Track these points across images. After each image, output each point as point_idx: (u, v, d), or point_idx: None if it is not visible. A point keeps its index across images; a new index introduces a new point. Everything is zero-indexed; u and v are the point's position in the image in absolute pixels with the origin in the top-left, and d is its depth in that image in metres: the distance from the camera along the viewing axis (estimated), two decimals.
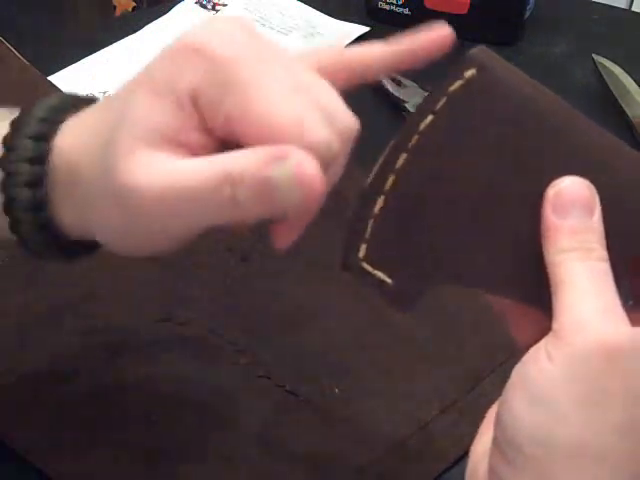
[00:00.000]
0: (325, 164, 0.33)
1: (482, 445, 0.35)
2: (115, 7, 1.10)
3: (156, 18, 0.84)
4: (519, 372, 0.33)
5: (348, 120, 0.36)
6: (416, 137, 0.35)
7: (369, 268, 0.35)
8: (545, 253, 0.34)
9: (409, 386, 0.51)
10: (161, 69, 0.34)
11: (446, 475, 0.47)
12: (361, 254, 0.35)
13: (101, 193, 0.35)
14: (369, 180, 0.35)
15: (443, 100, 0.35)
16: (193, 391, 0.50)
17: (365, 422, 0.49)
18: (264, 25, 0.83)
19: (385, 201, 0.35)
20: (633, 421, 0.31)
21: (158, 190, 0.33)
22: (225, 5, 0.86)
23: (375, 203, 0.35)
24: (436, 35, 0.39)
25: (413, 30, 0.39)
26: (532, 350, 0.33)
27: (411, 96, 0.72)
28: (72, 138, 0.37)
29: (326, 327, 0.53)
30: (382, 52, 0.39)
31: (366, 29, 0.82)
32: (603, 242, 0.33)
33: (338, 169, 0.37)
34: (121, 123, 0.34)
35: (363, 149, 0.59)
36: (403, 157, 0.35)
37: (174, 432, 0.47)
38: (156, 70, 0.34)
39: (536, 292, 0.34)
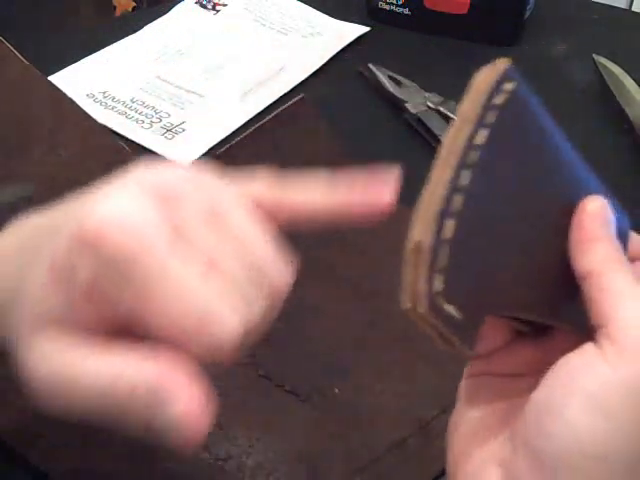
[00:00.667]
0: (238, 344, 0.32)
1: (465, 448, 0.35)
2: (115, 7, 1.10)
3: (156, 18, 0.84)
4: (573, 378, 0.31)
5: (279, 278, 0.34)
6: (475, 152, 0.32)
7: (442, 303, 0.30)
8: (582, 264, 0.33)
9: (409, 386, 0.50)
10: (62, 255, 0.32)
11: (446, 475, 0.47)
12: (437, 288, 0.30)
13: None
14: (437, 205, 0.30)
15: (495, 113, 0.33)
16: None
17: (365, 422, 0.48)
18: (264, 25, 0.83)
19: (457, 223, 0.31)
20: None
21: (50, 379, 0.33)
22: (225, 5, 0.86)
23: (444, 226, 0.30)
24: (376, 201, 0.35)
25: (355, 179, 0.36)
26: (581, 356, 0.32)
27: (411, 96, 0.72)
28: None
29: (326, 327, 0.53)
30: (322, 204, 0.36)
31: (366, 29, 0.82)
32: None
33: (266, 326, 0.36)
34: (23, 293, 0.33)
35: (363, 149, 0.59)
36: (467, 175, 0.31)
37: None
38: (58, 253, 0.32)
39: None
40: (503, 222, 0.32)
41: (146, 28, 0.82)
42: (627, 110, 0.71)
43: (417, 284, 0.29)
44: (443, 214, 0.30)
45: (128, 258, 0.30)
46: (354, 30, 0.82)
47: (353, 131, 0.69)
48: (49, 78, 0.72)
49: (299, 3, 0.86)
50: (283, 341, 0.52)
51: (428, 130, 0.68)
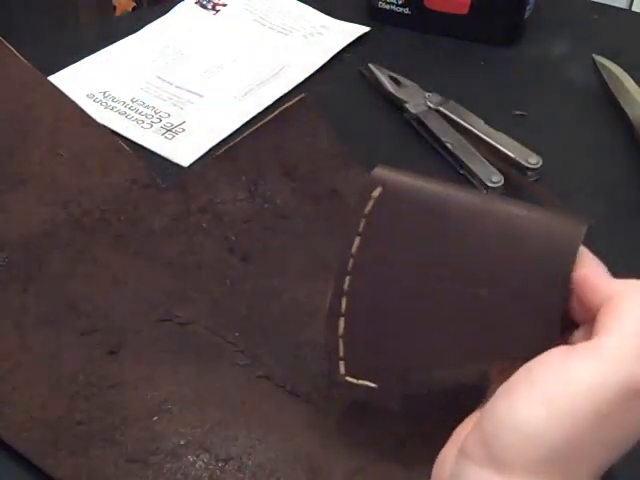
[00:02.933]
0: None
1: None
2: (115, 7, 1.10)
3: (156, 18, 0.84)
4: (531, 371, 0.35)
5: None
6: (352, 260, 0.40)
7: (354, 380, 0.40)
8: (606, 284, 0.37)
9: None
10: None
11: None
12: (342, 371, 0.40)
13: None
14: (327, 307, 0.41)
15: (363, 222, 0.40)
16: (193, 391, 0.50)
17: (365, 422, 0.48)
18: (264, 25, 0.83)
19: (345, 321, 0.41)
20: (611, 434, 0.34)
21: None
22: (225, 5, 0.86)
23: (338, 325, 0.41)
24: None
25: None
26: (546, 355, 0.35)
27: (411, 96, 0.72)
28: None
29: None
30: None
31: (366, 29, 0.82)
32: None
33: None
34: None
35: (363, 148, 0.59)
36: (347, 280, 0.40)
37: (174, 432, 0.47)
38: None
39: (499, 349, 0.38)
40: (389, 308, 0.39)
41: (146, 28, 0.82)
42: (627, 110, 0.71)
43: (328, 371, 0.41)
44: (333, 316, 0.41)
45: None
46: (354, 30, 0.82)
47: (353, 131, 0.69)
48: (49, 78, 0.72)
49: (299, 3, 0.86)
50: (283, 341, 0.52)
51: (428, 130, 0.68)
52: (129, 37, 0.81)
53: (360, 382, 0.40)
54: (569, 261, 0.37)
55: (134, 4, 1.07)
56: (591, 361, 0.34)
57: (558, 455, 0.34)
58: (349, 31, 0.82)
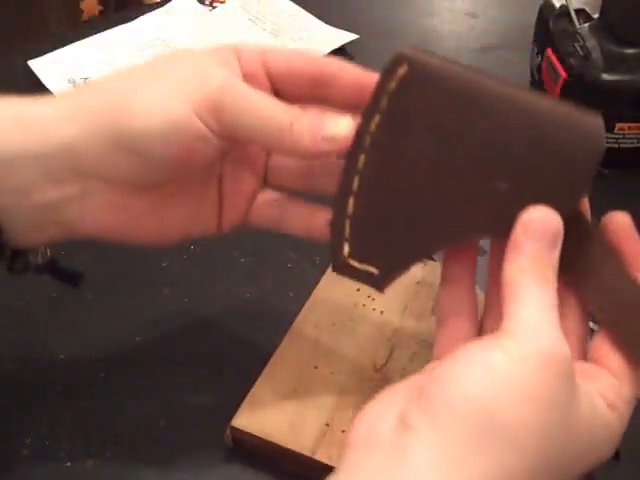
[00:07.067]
0: None
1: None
2: (82, 12, 1.09)
3: (123, 23, 0.83)
4: (471, 353, 0.35)
5: None
6: (369, 137, 0.38)
7: (356, 264, 0.38)
8: (506, 268, 0.36)
9: None
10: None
11: None
12: (346, 252, 0.38)
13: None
14: (338, 185, 0.38)
15: (385, 99, 0.37)
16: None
17: None
18: (257, 25, 0.83)
19: (355, 200, 0.38)
20: (551, 422, 0.34)
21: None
22: (223, 2, 0.86)
23: (347, 205, 0.38)
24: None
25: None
26: (481, 340, 0.35)
27: None
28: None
29: None
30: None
31: (354, 36, 0.81)
32: (556, 274, 0.36)
33: None
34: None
35: None
36: (362, 158, 0.38)
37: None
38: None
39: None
40: (401, 192, 0.37)
41: (141, 18, 0.83)
42: None
43: (330, 250, 0.38)
44: (343, 194, 0.38)
45: None
46: (342, 37, 0.81)
47: None
48: (32, 61, 0.73)
49: (294, 5, 0.86)
50: None
51: None
52: (121, 26, 0.81)
53: (362, 266, 0.38)
54: (592, 162, 0.36)
55: (101, 8, 1.07)
56: (516, 350, 0.34)
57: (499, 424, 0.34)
58: (337, 37, 0.81)
